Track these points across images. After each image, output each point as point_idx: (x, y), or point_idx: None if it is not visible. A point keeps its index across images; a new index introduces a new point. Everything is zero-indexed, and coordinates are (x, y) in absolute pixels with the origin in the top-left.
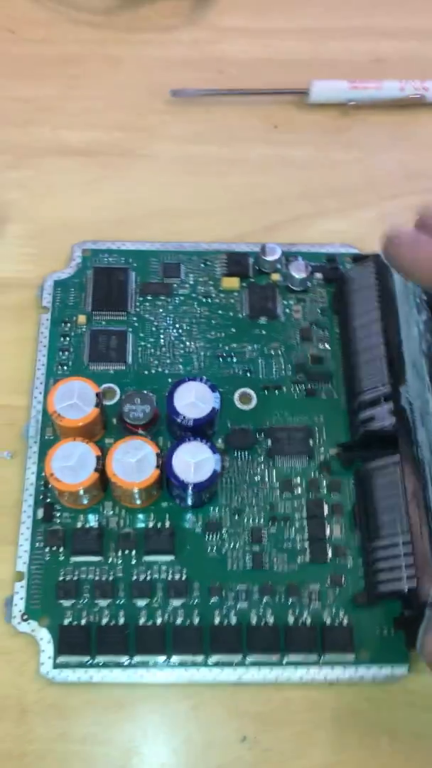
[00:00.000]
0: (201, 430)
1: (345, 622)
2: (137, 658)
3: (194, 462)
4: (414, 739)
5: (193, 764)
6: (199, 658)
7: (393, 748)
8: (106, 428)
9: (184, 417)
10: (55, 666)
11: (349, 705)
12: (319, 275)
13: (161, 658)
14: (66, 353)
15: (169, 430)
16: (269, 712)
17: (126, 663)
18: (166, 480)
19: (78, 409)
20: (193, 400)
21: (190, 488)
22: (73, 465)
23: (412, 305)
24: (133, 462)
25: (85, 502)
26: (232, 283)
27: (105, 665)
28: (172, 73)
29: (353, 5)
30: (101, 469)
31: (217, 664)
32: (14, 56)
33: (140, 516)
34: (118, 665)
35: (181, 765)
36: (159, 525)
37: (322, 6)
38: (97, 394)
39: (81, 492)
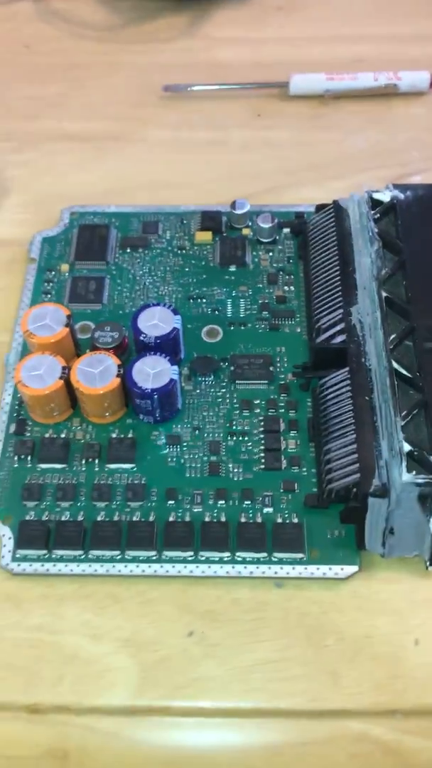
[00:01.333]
0: (164, 350)
1: (296, 521)
2: (92, 552)
3: (153, 372)
4: (361, 639)
5: (139, 655)
6: (152, 553)
7: (339, 648)
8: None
9: (146, 335)
10: (14, 559)
11: (297, 607)
12: (287, 230)
13: (116, 553)
14: (48, 296)
15: (137, 353)
16: (218, 610)
17: (81, 557)
18: (130, 393)
19: (49, 329)
20: (156, 321)
21: (150, 394)
22: (40, 374)
23: (366, 238)
24: (96, 372)
25: (55, 414)
26: (206, 236)
27: (61, 559)
28: (167, 74)
29: (334, 17)
30: (66, 377)
31: (169, 560)
32: (27, 65)
33: (105, 429)
34: (74, 559)
35: (127, 656)
36: (122, 436)
37: (306, 18)
38: (68, 316)
39: (50, 403)
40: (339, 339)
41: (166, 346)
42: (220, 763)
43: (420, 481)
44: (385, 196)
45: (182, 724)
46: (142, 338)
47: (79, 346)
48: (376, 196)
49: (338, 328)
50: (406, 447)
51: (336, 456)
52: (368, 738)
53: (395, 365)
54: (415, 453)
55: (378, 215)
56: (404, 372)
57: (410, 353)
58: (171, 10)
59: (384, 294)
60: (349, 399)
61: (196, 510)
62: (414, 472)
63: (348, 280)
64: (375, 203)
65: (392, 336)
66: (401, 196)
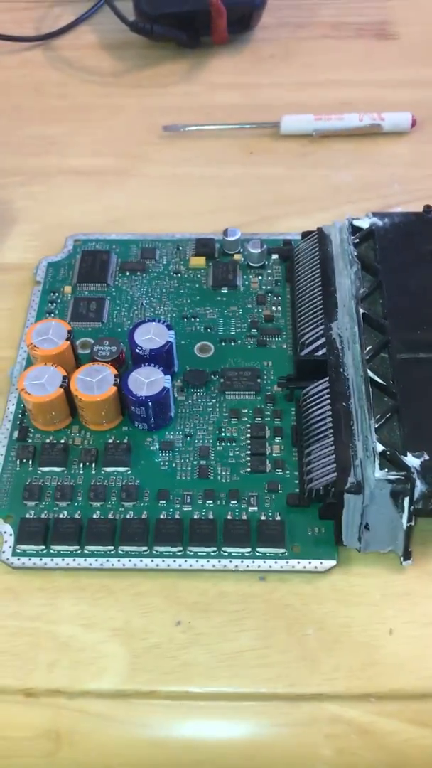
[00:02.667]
0: (158, 362)
1: (278, 519)
2: (88, 548)
3: (147, 381)
4: (340, 629)
5: (130, 643)
6: (144, 548)
7: (319, 637)
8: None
9: (141, 348)
10: (14, 554)
11: (279, 598)
12: (275, 256)
13: (110, 548)
14: (51, 315)
15: (134, 365)
16: (205, 602)
17: (77, 551)
18: (125, 401)
19: (51, 342)
20: (151, 335)
21: (144, 401)
22: (42, 383)
23: (346, 261)
24: (94, 381)
25: (56, 422)
26: (200, 261)
27: (59, 554)
28: (167, 116)
29: (323, 64)
30: (66, 386)
31: (160, 555)
32: (37, 107)
33: (103, 436)
34: (71, 554)
35: (119, 644)
36: (118, 442)
37: (296, 65)
38: (69, 331)
39: (51, 411)
40: (320, 352)
41: (160, 358)
42: (204, 743)
43: (392, 477)
44: (364, 223)
45: (169, 708)
46: (137, 351)
47: (80, 360)
48: (356, 223)
49: (320, 342)
50: (379, 447)
51: (316, 458)
52: (343, 720)
53: (371, 374)
54: (388, 453)
55: (358, 240)
56: (379, 380)
57: (385, 364)
58: (171, 58)
59: (362, 311)
60: (329, 406)
61: (185, 509)
62: (386, 470)
63: (329, 298)
64: (355, 229)
65: (368, 348)
66: (379, 223)
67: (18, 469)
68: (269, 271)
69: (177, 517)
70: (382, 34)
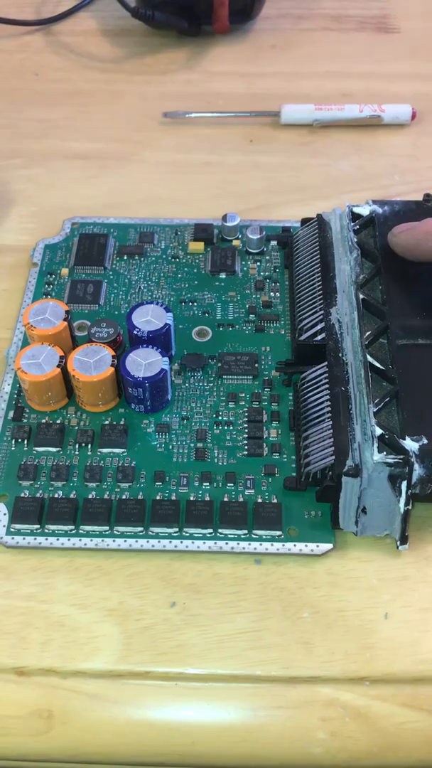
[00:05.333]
0: (156, 344)
1: (275, 501)
2: (83, 528)
3: (145, 363)
4: (335, 612)
5: (124, 624)
6: (140, 528)
7: (313, 620)
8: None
9: (139, 330)
10: (8, 533)
11: (275, 581)
12: (274, 242)
13: (105, 528)
14: (48, 296)
15: (131, 347)
16: (200, 583)
17: (72, 531)
18: (123, 382)
19: (48, 322)
20: (149, 317)
21: (142, 383)
22: (39, 362)
23: (346, 248)
24: (91, 362)
25: (52, 403)
26: (198, 246)
27: (53, 533)
28: (167, 103)
29: (324, 55)
30: (63, 366)
31: (156, 535)
32: (36, 91)
33: (99, 418)
34: (65, 533)
35: (112, 624)
36: (114, 423)
37: (297, 56)
38: (66, 311)
39: (48, 392)
40: (319, 337)
41: (158, 340)
42: (198, 725)
43: (390, 461)
44: (364, 210)
45: (163, 689)
46: (135, 332)
47: (77, 342)
48: (356, 210)
49: (319, 327)
50: (378, 431)
51: (314, 441)
52: (338, 703)
53: (370, 359)
54: (386, 436)
55: (358, 227)
56: (378, 365)
57: (384, 349)
58: (172, 46)
59: (361, 296)
60: (327, 390)
61: (182, 491)
62: (384, 453)
63: (329, 284)
64: (355, 216)
65: (368, 333)
66: (379, 210)
67: (13, 448)
68: (268, 257)
69: (173, 498)
70: (383, 27)
